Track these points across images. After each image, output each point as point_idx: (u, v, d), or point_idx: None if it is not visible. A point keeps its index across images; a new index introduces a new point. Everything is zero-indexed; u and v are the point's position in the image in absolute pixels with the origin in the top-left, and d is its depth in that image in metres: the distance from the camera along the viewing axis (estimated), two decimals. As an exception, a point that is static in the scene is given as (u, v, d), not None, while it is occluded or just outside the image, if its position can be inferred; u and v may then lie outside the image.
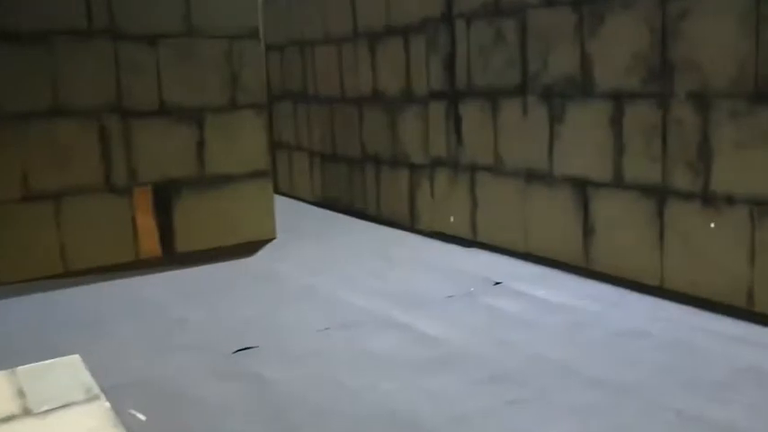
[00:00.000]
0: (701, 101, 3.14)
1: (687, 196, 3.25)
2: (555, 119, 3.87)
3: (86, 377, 2.57)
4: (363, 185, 5.69)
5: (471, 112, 4.47)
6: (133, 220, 4.55)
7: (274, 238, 4.99)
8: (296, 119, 6.67)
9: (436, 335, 3.01)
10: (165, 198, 4.67)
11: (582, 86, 3.69)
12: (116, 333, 3.23)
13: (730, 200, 3.07)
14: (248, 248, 4.77)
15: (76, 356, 2.76)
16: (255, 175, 4.98)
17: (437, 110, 4.76)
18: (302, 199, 6.64)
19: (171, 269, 4.34)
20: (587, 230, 3.77)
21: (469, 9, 4.36)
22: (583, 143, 3.73)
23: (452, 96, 4.60)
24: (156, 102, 4.60)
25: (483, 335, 2.99)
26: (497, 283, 3.69)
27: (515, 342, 2.89)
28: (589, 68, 3.65)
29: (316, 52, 6.16)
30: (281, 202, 6.57)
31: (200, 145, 4.77)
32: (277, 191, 7.10)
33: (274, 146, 7.16)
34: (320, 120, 6.24)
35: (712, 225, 3.14)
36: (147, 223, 4.62)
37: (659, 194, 3.37)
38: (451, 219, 4.76)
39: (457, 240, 4.68)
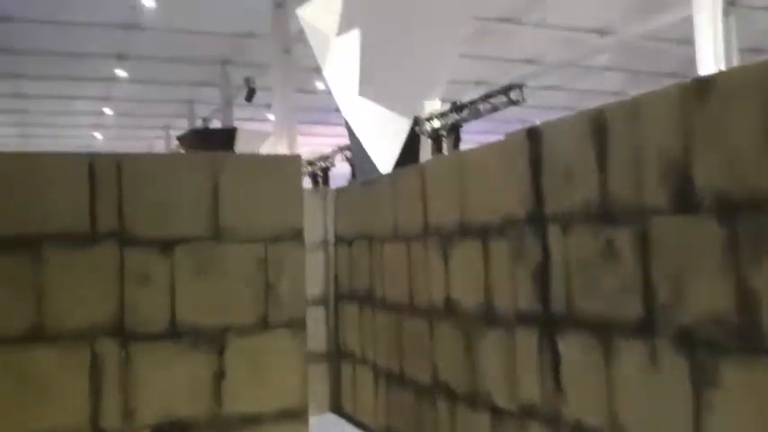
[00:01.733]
0: None
1: None
2: (702, 380, 2.53)
3: None
4: (435, 423, 4.38)
5: (573, 350, 3.19)
6: (125, 475, 3.45)
7: (306, 503, 3.72)
8: (361, 325, 5.56)
9: None
10: (167, 445, 3.57)
11: (742, 335, 2.38)
12: None
13: None
14: None
15: None
16: (287, 415, 3.80)
17: (527, 339, 3.51)
18: (364, 426, 5.37)
19: None
20: None
21: (565, 210, 3.20)
22: (754, 426, 2.35)
23: (547, 323, 3.36)
24: (165, 321, 3.62)
25: None
26: None
27: None
28: (753, 308, 2.35)
29: (384, 249, 5.14)
30: (337, 430, 5.37)
31: (219, 376, 3.69)
32: (340, 411, 5.90)
33: (340, 355, 6.03)
34: (387, 330, 5.09)
35: None
36: (142, 480, 3.51)
37: None
38: (548, 497, 3.35)
39: None
